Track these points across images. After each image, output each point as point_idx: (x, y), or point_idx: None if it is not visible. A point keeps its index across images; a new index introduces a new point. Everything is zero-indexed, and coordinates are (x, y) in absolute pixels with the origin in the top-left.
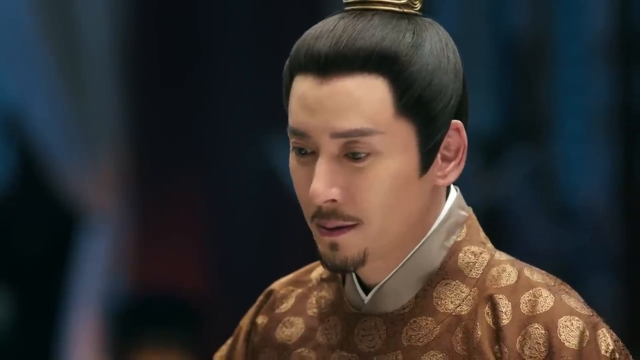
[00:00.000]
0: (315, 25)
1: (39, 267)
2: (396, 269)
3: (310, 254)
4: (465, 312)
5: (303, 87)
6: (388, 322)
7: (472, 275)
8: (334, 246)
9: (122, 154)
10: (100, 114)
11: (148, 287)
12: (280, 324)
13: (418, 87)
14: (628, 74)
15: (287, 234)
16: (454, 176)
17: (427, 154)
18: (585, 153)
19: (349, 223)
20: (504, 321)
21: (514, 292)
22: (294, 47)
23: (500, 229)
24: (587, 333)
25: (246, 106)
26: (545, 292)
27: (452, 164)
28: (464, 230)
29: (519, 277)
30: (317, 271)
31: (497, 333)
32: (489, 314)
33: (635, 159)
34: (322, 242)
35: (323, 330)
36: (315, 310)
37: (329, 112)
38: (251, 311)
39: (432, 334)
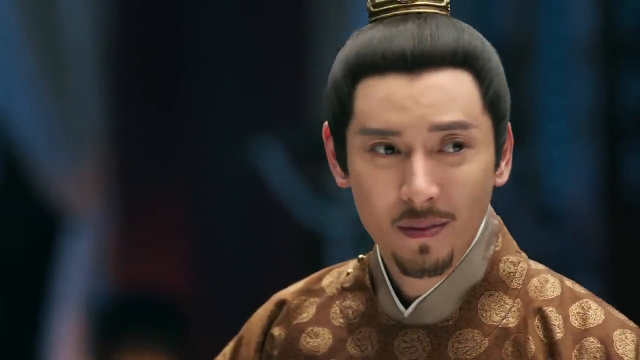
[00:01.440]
0: (360, 34)
1: (21, 267)
2: (441, 280)
3: (294, 254)
4: (513, 324)
5: (386, 87)
6: (432, 335)
7: (513, 285)
8: (424, 249)
9: (104, 154)
10: (83, 114)
11: (131, 287)
12: (303, 334)
13: (496, 83)
14: (611, 76)
15: (271, 234)
16: (506, 176)
17: (498, 151)
18: (568, 155)
19: (444, 220)
20: (557, 335)
21: (561, 304)
22: (349, 53)
23: None
24: (633, 346)
25: (230, 106)
26: (593, 305)
27: (503, 163)
28: (500, 239)
29: (562, 288)
30: (327, 279)
31: (551, 347)
32: (539, 327)
33: (618, 161)
34: (409, 246)
35: (354, 341)
36: (341, 320)
37: (426, 106)
38: (260, 321)
39: (480, 347)
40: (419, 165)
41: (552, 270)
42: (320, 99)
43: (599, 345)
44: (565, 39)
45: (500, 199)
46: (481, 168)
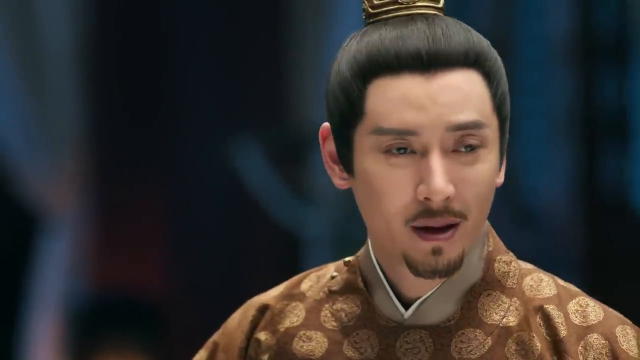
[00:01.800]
0: (366, 35)
1: None
2: (442, 281)
3: (272, 255)
4: (513, 323)
5: (402, 87)
6: (434, 335)
7: (509, 285)
8: (437, 251)
9: (82, 155)
10: (61, 114)
11: (109, 288)
12: (296, 339)
13: (503, 84)
14: (588, 77)
15: (249, 234)
16: (502, 177)
17: (501, 152)
18: (545, 155)
19: (457, 220)
20: (562, 332)
21: (560, 302)
22: (358, 53)
23: None
24: (635, 342)
25: (208, 107)
26: (590, 302)
27: (502, 164)
28: (491, 239)
29: (557, 287)
30: (306, 283)
31: (556, 345)
32: (542, 325)
33: (595, 161)
34: (422, 247)
35: (351, 344)
36: (334, 323)
37: (444, 106)
38: (242, 326)
39: (484, 347)
40: (438, 164)
41: (541, 269)
42: (298, 99)
43: (604, 342)
44: (542, 40)
45: None
46: (491, 168)
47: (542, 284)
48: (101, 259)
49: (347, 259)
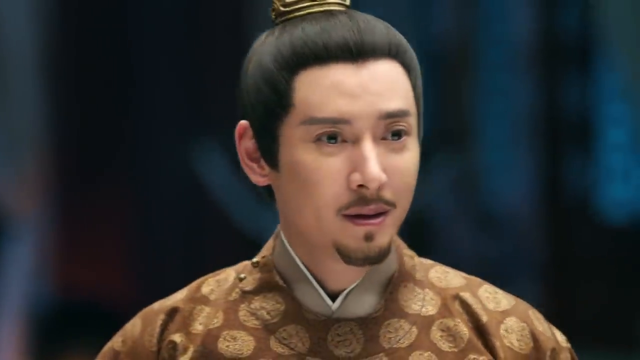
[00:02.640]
0: (285, 31)
1: None
2: (364, 273)
3: (234, 258)
4: (433, 312)
5: (333, 76)
6: (364, 327)
7: (418, 277)
8: (369, 237)
9: (45, 158)
10: (23, 117)
11: (72, 292)
12: (220, 339)
13: (419, 79)
14: (552, 80)
15: (212, 238)
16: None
17: (420, 144)
18: (508, 159)
19: (387, 208)
20: (483, 318)
21: (471, 290)
22: (281, 47)
23: (425, 235)
24: (546, 324)
25: (170, 110)
26: (496, 289)
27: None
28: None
29: (462, 277)
30: (207, 287)
31: (481, 329)
32: (462, 312)
33: (558, 165)
34: (355, 234)
35: (279, 340)
36: (256, 322)
37: (374, 94)
38: (152, 330)
39: (411, 335)
40: (371, 152)
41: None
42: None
43: (522, 324)
44: (505, 43)
45: (441, 203)
46: (417, 156)
47: (448, 275)
48: (64, 262)
49: (254, 260)
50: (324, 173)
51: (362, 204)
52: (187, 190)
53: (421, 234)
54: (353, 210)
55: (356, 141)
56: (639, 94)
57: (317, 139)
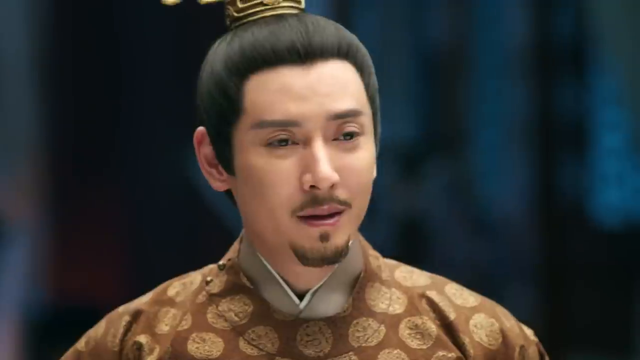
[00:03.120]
0: (236, 37)
1: None
2: (332, 271)
3: None
4: (400, 310)
5: (281, 79)
6: (332, 326)
7: (384, 277)
8: (324, 237)
9: (39, 164)
10: (17, 122)
11: (66, 297)
12: (189, 341)
13: (373, 77)
14: (546, 85)
15: (206, 243)
16: (375, 172)
17: (378, 143)
18: (502, 164)
19: (342, 208)
20: (451, 315)
21: (437, 288)
22: (231, 53)
23: (419, 239)
24: (514, 321)
25: (164, 115)
26: (462, 287)
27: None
28: (359, 235)
29: (428, 276)
30: (172, 290)
31: (449, 327)
32: (429, 310)
33: (552, 170)
34: (310, 235)
35: (248, 341)
36: (225, 324)
37: (323, 95)
38: (112, 332)
39: (379, 334)
40: (321, 152)
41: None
42: None
43: (491, 320)
44: (500, 48)
45: (434, 208)
46: (371, 156)
47: (414, 275)
48: (58, 267)
49: (220, 263)
50: (276, 176)
51: (315, 204)
52: (182, 195)
53: (415, 238)
54: (307, 212)
55: (307, 143)
56: (633, 99)
57: (268, 143)
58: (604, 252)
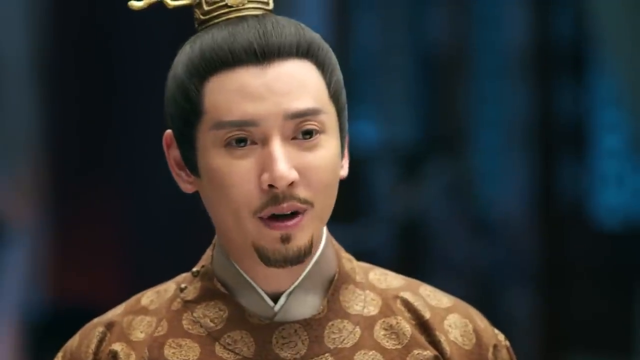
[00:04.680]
0: (198, 40)
1: None
2: (305, 273)
3: None
4: (374, 312)
5: (239, 80)
6: (308, 328)
7: (358, 280)
8: (285, 238)
9: (39, 164)
10: (17, 124)
11: (66, 298)
12: (165, 346)
13: (337, 74)
14: (546, 87)
15: (208, 243)
16: (346, 170)
17: (342, 141)
18: (502, 166)
19: (304, 207)
20: (426, 314)
21: (412, 289)
22: (192, 55)
23: (419, 240)
24: (487, 322)
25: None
26: (436, 289)
27: (344, 157)
28: (332, 238)
29: (401, 278)
30: (146, 299)
31: (424, 326)
32: (404, 310)
33: (552, 172)
34: (271, 236)
35: (224, 346)
36: (200, 330)
37: (280, 94)
38: (86, 343)
39: (355, 335)
40: (278, 151)
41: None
42: None
43: (465, 320)
44: (500, 50)
45: (434, 209)
46: (333, 154)
47: (388, 277)
48: (58, 268)
49: (193, 269)
50: (235, 176)
51: (275, 203)
52: (183, 197)
53: (415, 239)
54: (267, 212)
55: (265, 142)
56: (633, 99)
57: (227, 143)
58: (604, 253)
